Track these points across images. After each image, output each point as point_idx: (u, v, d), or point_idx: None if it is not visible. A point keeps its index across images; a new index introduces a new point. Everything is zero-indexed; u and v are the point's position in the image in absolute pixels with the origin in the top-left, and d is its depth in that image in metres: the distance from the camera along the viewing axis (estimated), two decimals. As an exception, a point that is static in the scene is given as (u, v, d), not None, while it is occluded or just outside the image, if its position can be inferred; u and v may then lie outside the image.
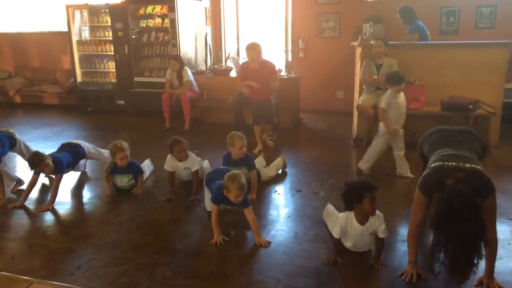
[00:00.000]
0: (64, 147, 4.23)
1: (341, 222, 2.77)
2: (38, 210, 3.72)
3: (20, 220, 3.62)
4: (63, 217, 3.68)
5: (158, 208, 3.76)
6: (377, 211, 2.74)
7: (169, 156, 3.96)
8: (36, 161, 3.74)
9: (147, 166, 4.54)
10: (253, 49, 5.17)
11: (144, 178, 4.28)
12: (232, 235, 3.23)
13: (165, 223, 3.48)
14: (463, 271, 2.27)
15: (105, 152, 4.52)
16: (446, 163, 2.43)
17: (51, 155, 3.93)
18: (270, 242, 3.07)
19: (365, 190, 2.64)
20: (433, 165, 2.50)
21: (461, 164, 2.39)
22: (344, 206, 2.79)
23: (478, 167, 2.40)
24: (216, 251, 3.01)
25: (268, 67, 5.28)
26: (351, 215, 2.76)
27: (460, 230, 2.16)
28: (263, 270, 2.78)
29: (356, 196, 2.66)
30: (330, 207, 3.35)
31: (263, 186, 4.18)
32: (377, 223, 2.72)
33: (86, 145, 4.42)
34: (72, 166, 4.25)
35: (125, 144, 4.06)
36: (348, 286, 2.61)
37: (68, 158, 4.06)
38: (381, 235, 2.74)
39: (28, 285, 2.59)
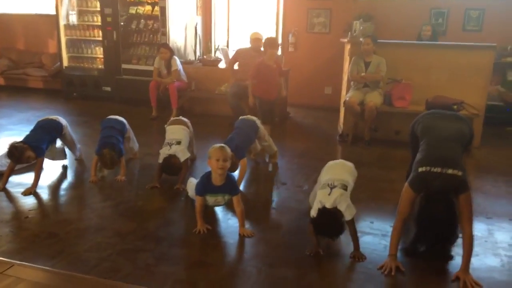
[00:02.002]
0: (40, 125, 4.10)
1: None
2: (22, 194, 3.69)
3: (2, 202, 3.57)
4: (46, 201, 3.66)
5: (142, 195, 3.76)
6: None
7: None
8: (17, 155, 3.69)
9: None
10: (276, 45, 4.94)
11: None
12: (216, 225, 3.25)
13: (149, 211, 3.48)
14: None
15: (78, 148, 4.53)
16: (431, 169, 2.66)
17: (29, 143, 3.80)
18: (254, 233, 3.10)
19: None
20: (420, 169, 2.70)
21: (444, 171, 2.63)
22: None
23: (458, 172, 2.63)
24: (199, 239, 3.02)
25: (279, 65, 5.11)
26: None
27: (438, 222, 2.71)
28: (246, 260, 2.81)
29: None
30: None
31: (249, 178, 4.21)
32: None
33: (63, 121, 4.29)
34: (52, 143, 4.19)
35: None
36: (328, 277, 2.66)
37: (46, 140, 3.98)
38: (348, 217, 2.78)
39: (8, 267, 2.57)
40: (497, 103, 6.39)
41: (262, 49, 5.28)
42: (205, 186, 3.13)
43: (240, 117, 4.39)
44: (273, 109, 5.25)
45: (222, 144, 3.18)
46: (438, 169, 2.63)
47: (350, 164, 3.21)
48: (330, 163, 3.26)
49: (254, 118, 4.35)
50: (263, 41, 5.18)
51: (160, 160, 3.90)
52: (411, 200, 2.72)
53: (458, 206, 2.64)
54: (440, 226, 2.70)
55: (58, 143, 4.37)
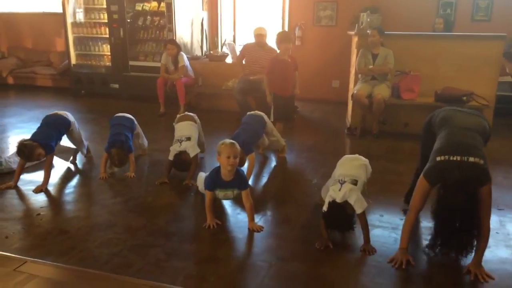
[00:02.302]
0: (47, 121, 4.11)
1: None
2: (34, 191, 3.72)
3: (14, 200, 3.61)
4: (57, 198, 3.69)
5: (152, 191, 3.78)
6: None
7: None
8: (27, 153, 3.72)
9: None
10: (289, 40, 4.80)
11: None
12: (225, 220, 3.26)
13: (159, 206, 3.50)
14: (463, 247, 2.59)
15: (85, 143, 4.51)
16: (450, 157, 2.51)
17: (38, 140, 3.81)
18: (263, 227, 3.10)
19: None
20: (438, 158, 2.56)
21: (465, 159, 2.48)
22: None
23: (479, 161, 2.49)
24: (209, 234, 3.04)
25: (294, 59, 4.94)
26: None
27: (458, 212, 2.48)
28: (255, 254, 2.82)
29: None
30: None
31: (256, 172, 4.21)
32: None
33: (71, 116, 4.28)
34: (60, 139, 4.18)
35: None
36: (338, 270, 2.65)
37: (54, 137, 3.98)
38: (358, 210, 2.77)
39: (21, 264, 2.60)
40: (507, 94, 6.32)
41: (276, 45, 5.09)
42: (215, 181, 3.14)
43: (248, 113, 4.39)
44: (289, 106, 5.04)
45: (232, 141, 3.17)
46: (458, 157, 2.49)
47: (364, 160, 3.18)
48: (344, 157, 3.26)
49: (261, 113, 4.35)
50: (279, 36, 5.00)
51: (171, 157, 3.91)
52: (425, 192, 2.62)
53: (478, 198, 2.49)
54: (461, 217, 2.49)
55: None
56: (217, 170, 3.14)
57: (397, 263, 2.63)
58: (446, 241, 2.58)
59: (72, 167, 4.40)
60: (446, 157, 2.53)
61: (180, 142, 3.94)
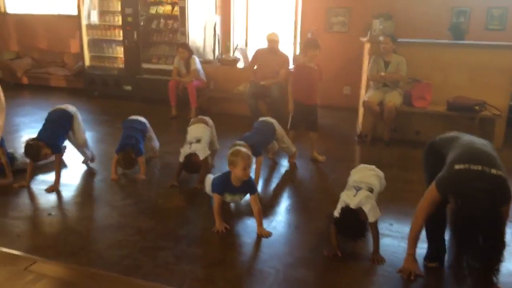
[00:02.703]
0: (51, 118, 4.12)
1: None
2: (46, 191, 3.77)
3: (26, 199, 3.67)
4: (68, 198, 3.73)
5: (162, 194, 3.81)
6: None
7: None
8: (33, 153, 3.75)
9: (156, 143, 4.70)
10: (317, 47, 4.59)
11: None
12: (234, 224, 3.27)
13: (169, 209, 3.53)
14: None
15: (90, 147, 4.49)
16: (471, 166, 2.28)
17: (44, 139, 3.83)
18: (271, 233, 3.11)
19: None
20: (457, 167, 2.33)
21: (487, 170, 2.26)
22: None
23: (502, 174, 2.29)
24: (218, 238, 3.05)
25: (320, 67, 4.74)
26: None
27: (478, 221, 2.18)
28: (263, 260, 2.82)
29: None
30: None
31: (266, 177, 4.22)
32: None
33: (72, 109, 4.26)
34: (67, 134, 4.18)
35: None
36: (346, 279, 2.65)
37: (60, 135, 4.01)
38: (371, 219, 2.75)
39: (31, 263, 2.63)
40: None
41: (302, 51, 4.77)
42: (225, 186, 3.16)
43: (260, 119, 4.40)
44: (315, 115, 4.78)
45: (246, 151, 3.11)
46: (479, 167, 2.25)
47: (380, 172, 3.17)
48: (361, 166, 3.25)
49: (272, 120, 4.36)
50: (306, 42, 4.72)
51: (181, 159, 3.93)
52: (433, 201, 2.45)
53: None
54: (484, 229, 2.17)
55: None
56: (227, 175, 3.15)
57: (406, 274, 2.60)
58: (474, 259, 2.21)
59: (84, 167, 4.43)
60: (467, 165, 2.29)
61: (190, 144, 3.95)
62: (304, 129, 4.87)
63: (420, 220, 2.58)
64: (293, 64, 6.71)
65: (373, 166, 3.24)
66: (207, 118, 4.39)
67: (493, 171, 2.26)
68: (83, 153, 4.44)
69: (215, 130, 4.40)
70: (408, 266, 2.63)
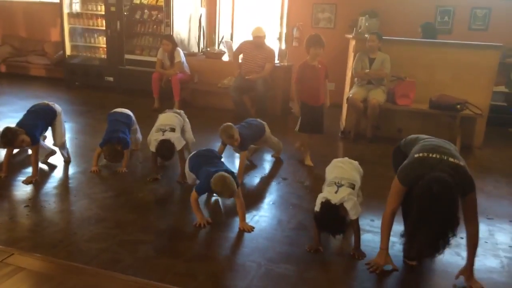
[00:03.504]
0: (35, 109, 4.03)
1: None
2: (23, 182, 3.68)
3: (2, 191, 3.57)
4: (47, 190, 3.65)
5: (143, 187, 3.75)
6: None
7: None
8: (9, 136, 3.64)
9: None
10: (320, 44, 4.32)
11: None
12: (216, 218, 3.24)
13: (150, 203, 3.48)
14: (425, 253, 2.48)
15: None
16: (430, 154, 2.38)
17: (23, 126, 3.75)
18: (254, 227, 3.10)
19: None
20: (416, 155, 2.44)
21: (445, 158, 2.35)
22: None
23: (461, 162, 2.37)
24: (200, 233, 3.02)
25: (324, 65, 4.50)
26: None
27: (434, 213, 2.21)
28: (245, 254, 2.81)
29: None
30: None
31: (249, 172, 4.20)
32: None
33: (58, 107, 4.18)
34: (45, 130, 4.12)
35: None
36: (327, 274, 2.66)
37: (40, 126, 3.91)
38: (353, 216, 2.76)
39: (8, 256, 2.56)
40: (501, 104, 6.38)
41: (305, 49, 4.49)
42: (208, 190, 3.14)
43: (252, 118, 4.45)
44: (322, 116, 4.53)
45: (229, 182, 2.99)
46: (437, 155, 2.36)
47: (355, 162, 3.18)
48: (336, 160, 3.23)
49: (263, 122, 4.36)
50: (308, 39, 4.37)
51: (153, 148, 3.82)
52: (397, 193, 2.53)
53: (463, 208, 2.38)
54: (440, 207, 2.21)
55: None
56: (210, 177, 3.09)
57: (372, 266, 2.63)
58: (422, 243, 2.30)
59: (63, 159, 4.33)
60: (425, 154, 2.40)
61: (163, 132, 3.85)
62: (312, 132, 4.60)
63: (387, 213, 2.60)
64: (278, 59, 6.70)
65: (346, 158, 3.22)
66: (181, 111, 4.36)
67: (451, 159, 2.35)
68: (61, 150, 4.30)
69: (189, 123, 4.34)
70: (377, 261, 2.64)
